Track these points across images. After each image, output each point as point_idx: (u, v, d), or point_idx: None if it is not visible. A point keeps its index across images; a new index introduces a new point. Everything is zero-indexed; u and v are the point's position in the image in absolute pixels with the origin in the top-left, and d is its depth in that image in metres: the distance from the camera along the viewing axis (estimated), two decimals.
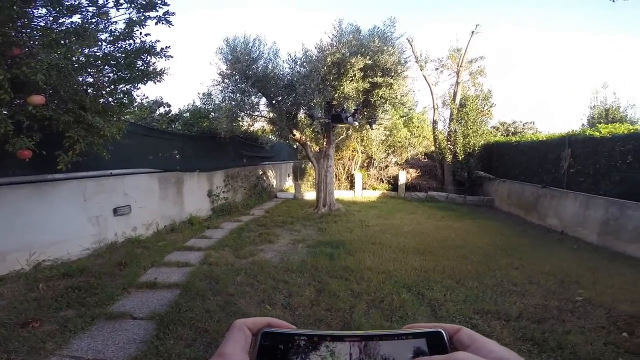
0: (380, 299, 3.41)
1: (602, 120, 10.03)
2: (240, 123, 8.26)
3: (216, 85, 7.66)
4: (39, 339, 2.62)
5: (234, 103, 7.34)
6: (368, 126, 7.79)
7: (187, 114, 10.18)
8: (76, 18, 3.12)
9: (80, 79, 3.62)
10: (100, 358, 2.50)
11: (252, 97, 7.69)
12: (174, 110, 10.26)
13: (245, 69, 6.92)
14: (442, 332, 0.33)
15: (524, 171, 8.89)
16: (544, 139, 8.38)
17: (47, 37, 2.82)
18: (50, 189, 4.57)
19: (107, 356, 2.52)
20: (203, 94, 10.37)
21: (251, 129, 9.75)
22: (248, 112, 7.83)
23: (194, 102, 10.74)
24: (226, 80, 7.45)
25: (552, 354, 2.53)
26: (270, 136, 11.92)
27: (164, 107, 9.29)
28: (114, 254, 4.91)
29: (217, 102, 8.11)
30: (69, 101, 3.35)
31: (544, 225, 7.59)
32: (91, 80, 3.65)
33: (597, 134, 6.26)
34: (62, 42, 2.95)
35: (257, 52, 7.20)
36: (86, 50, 3.28)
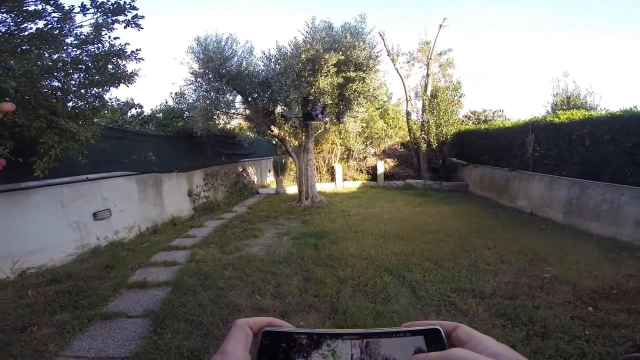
0: (364, 282, 3.62)
1: (564, 107, 10.63)
2: (217, 121, 8.22)
3: (189, 84, 7.57)
4: (40, 342, 2.67)
5: (208, 102, 7.28)
6: (345, 119, 7.96)
7: (160, 115, 9.99)
8: (41, 24, 3.06)
9: (46, 83, 3.54)
10: (103, 356, 2.57)
11: (227, 95, 7.66)
12: (147, 111, 10.06)
13: (218, 67, 6.88)
14: (440, 329, 0.33)
15: (494, 156, 9.38)
16: (510, 125, 8.88)
17: (10, 44, 2.75)
18: (26, 197, 4.48)
19: (109, 354, 2.59)
20: (176, 93, 10.17)
21: (228, 126, 9.71)
22: (224, 110, 7.80)
23: (166, 102, 10.54)
24: (199, 79, 7.38)
25: (524, 328, 2.72)
26: (247, 133, 11.89)
27: (136, 109, 9.09)
28: (99, 257, 4.88)
29: (190, 101, 8.02)
30: (39, 107, 3.28)
31: (514, 207, 8.07)
32: (58, 84, 3.58)
33: (557, 119, 6.73)
34: (27, 47, 2.89)
35: (230, 51, 7.17)
36: (55, 56, 3.22)
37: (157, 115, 9.90)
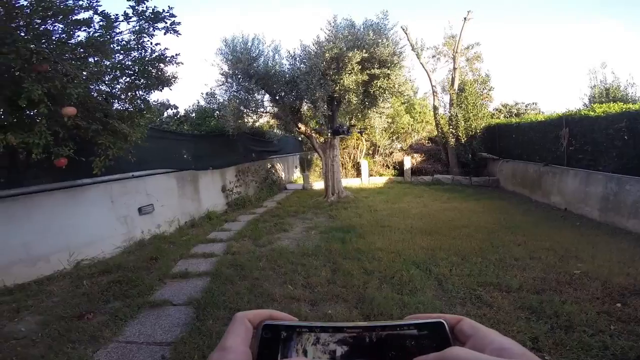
0: (391, 275, 3.77)
1: (603, 99, 10.04)
2: (246, 120, 8.58)
3: (220, 85, 7.95)
4: (96, 329, 2.92)
5: (238, 101, 7.62)
6: (371, 115, 8.06)
7: (193, 114, 10.55)
8: (82, 34, 3.40)
9: (96, 87, 3.93)
10: (152, 341, 2.80)
11: (256, 95, 7.97)
12: (181, 111, 10.66)
13: (247, 68, 7.19)
14: (444, 322, 0.33)
15: (526, 151, 9.09)
16: (543, 119, 8.56)
17: (62, 51, 3.09)
18: (80, 193, 4.95)
19: (156, 339, 2.84)
20: (206, 94, 10.70)
21: (257, 124, 10.08)
22: (253, 108, 8.12)
23: (198, 103, 11.11)
24: (229, 80, 7.74)
25: (548, 321, 2.77)
26: (275, 130, 12.24)
27: (172, 109, 9.64)
28: (144, 250, 5.30)
29: (221, 100, 8.42)
30: (94, 110, 3.68)
31: (548, 203, 7.82)
32: (107, 89, 3.97)
33: (592, 113, 6.45)
34: (83, 53, 3.23)
35: (257, 51, 7.46)
36: (107, 62, 3.59)
37: (191, 115, 10.47)
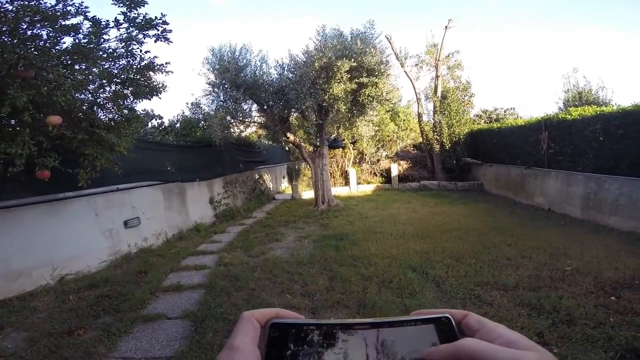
0: (389, 279, 3.77)
1: (576, 103, 10.59)
2: (233, 130, 8.51)
3: (207, 95, 7.88)
4: (89, 345, 2.79)
5: (225, 111, 7.56)
6: (358, 123, 8.16)
7: (178, 125, 10.36)
8: (69, 40, 3.31)
9: (81, 96, 3.79)
10: (150, 357, 2.70)
11: (244, 104, 7.94)
12: (165, 122, 10.44)
13: (234, 77, 7.17)
14: (450, 317, 0.33)
15: (508, 154, 9.40)
16: (523, 123, 8.91)
17: (47, 56, 2.98)
18: (63, 207, 4.77)
19: (155, 354, 2.72)
20: (192, 103, 10.54)
21: (244, 134, 10.00)
22: (240, 118, 8.08)
23: (183, 113, 10.92)
24: (216, 90, 7.69)
25: (549, 316, 2.84)
26: (263, 141, 12.17)
27: (156, 119, 9.43)
28: (131, 263, 5.12)
29: (207, 110, 8.32)
30: (80, 120, 3.56)
31: (532, 204, 8.08)
32: (91, 98, 3.85)
33: (569, 116, 6.78)
34: (64, 61, 3.12)
35: (245, 60, 7.47)
36: (94, 69, 3.48)
37: (176, 125, 10.28)
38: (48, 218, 4.53)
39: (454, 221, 6.56)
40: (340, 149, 12.46)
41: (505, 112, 15.44)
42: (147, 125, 9.51)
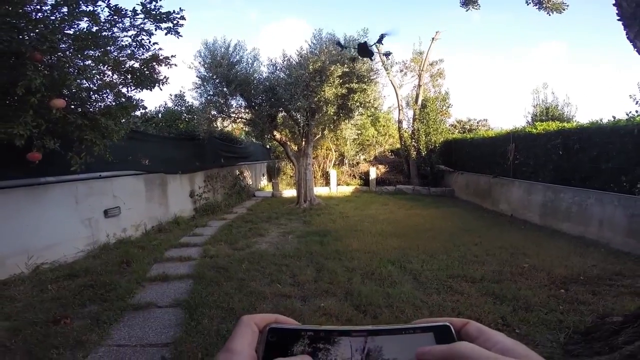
0: (371, 271, 4.08)
1: (543, 118, 11.40)
2: (217, 124, 8.55)
3: (196, 88, 7.88)
4: (79, 333, 2.76)
5: (213, 105, 7.61)
6: (342, 126, 8.48)
7: (159, 116, 10.21)
8: (83, 25, 3.32)
9: (81, 83, 3.79)
10: (146, 343, 2.71)
11: (232, 100, 8.02)
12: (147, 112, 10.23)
13: (227, 72, 7.25)
14: (450, 325, 0.33)
15: (478, 164, 10.09)
16: (493, 135, 9.63)
17: (63, 41, 2.97)
18: (43, 192, 4.62)
19: (150, 341, 2.74)
20: (175, 95, 10.48)
21: (227, 129, 10.02)
22: (228, 114, 8.14)
23: (165, 104, 10.79)
24: (206, 83, 7.71)
25: (510, 303, 3.24)
26: (243, 136, 12.21)
27: (141, 109, 9.25)
28: (110, 254, 5.04)
29: (193, 103, 8.33)
30: (82, 105, 3.57)
31: (497, 210, 8.74)
32: (91, 84, 3.84)
33: (534, 130, 7.47)
34: (79, 46, 3.14)
35: (237, 57, 7.56)
36: (97, 54, 3.49)
37: (157, 116, 10.12)
38: (26, 203, 4.36)
39: (428, 222, 7.02)
40: (321, 149, 12.75)
41: (478, 123, 16.41)
42: (134, 113, 9.29)
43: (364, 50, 2.80)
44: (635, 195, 5.10)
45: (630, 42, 1.76)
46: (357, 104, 7.33)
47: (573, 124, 6.95)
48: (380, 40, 2.78)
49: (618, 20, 1.74)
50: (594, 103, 27.07)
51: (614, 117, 6.04)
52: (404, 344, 0.32)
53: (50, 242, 4.60)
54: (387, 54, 8.16)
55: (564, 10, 5.22)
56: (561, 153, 6.66)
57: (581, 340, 2.36)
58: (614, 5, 1.79)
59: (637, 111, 7.50)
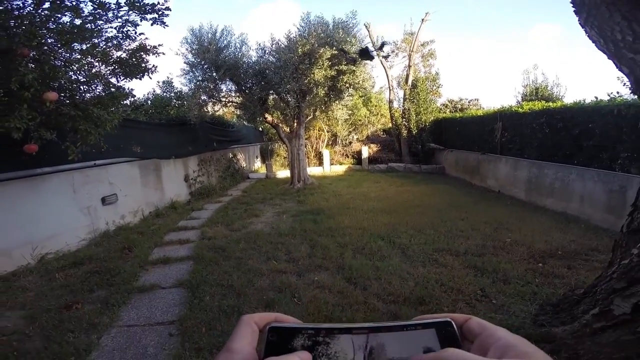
0: (362, 247, 4.34)
1: (532, 98, 11.52)
2: (208, 109, 8.56)
3: (185, 74, 7.84)
4: (92, 317, 2.91)
5: (203, 91, 7.60)
6: (333, 107, 8.55)
7: (149, 102, 10.13)
8: (66, 19, 3.34)
9: (71, 75, 3.84)
10: (153, 322, 2.89)
11: (222, 85, 8.00)
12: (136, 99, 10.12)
13: (215, 58, 7.21)
14: (452, 321, 0.33)
15: (467, 142, 10.31)
16: (482, 114, 9.79)
17: (50, 35, 3.00)
18: (41, 183, 4.68)
19: (157, 320, 2.92)
20: (163, 82, 10.36)
21: (219, 113, 10.02)
22: (218, 98, 8.14)
23: (154, 91, 10.67)
24: (194, 69, 7.66)
25: (490, 276, 3.49)
26: (238, 120, 12.19)
27: (130, 97, 9.18)
28: (112, 241, 5.17)
29: (183, 89, 8.29)
30: (72, 96, 3.63)
31: (484, 186, 9.04)
32: (80, 76, 3.88)
33: (521, 109, 7.64)
34: (64, 39, 3.17)
35: (225, 42, 7.49)
36: (83, 47, 3.52)
37: (147, 103, 10.04)
38: (26, 195, 4.42)
39: (417, 199, 7.29)
40: (314, 129, 12.83)
41: (469, 102, 16.45)
42: (124, 102, 9.22)
43: (366, 54, 2.95)
44: (614, 171, 5.33)
45: (582, 27, 1.89)
46: (347, 85, 7.39)
47: (558, 104, 7.11)
48: (381, 47, 2.92)
49: (571, 6, 1.86)
50: (587, 84, 27.24)
51: (596, 98, 6.20)
52: (406, 340, 0.32)
53: (52, 232, 4.70)
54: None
55: None
56: (546, 131, 6.87)
57: (551, 311, 2.53)
58: None
59: (618, 92, 7.68)
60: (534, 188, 7.18)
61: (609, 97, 6.06)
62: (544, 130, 6.94)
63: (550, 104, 7.28)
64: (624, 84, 7.91)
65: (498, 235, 4.84)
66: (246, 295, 3.25)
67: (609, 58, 1.93)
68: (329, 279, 3.47)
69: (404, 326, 0.33)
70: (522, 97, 12.84)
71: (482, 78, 36.09)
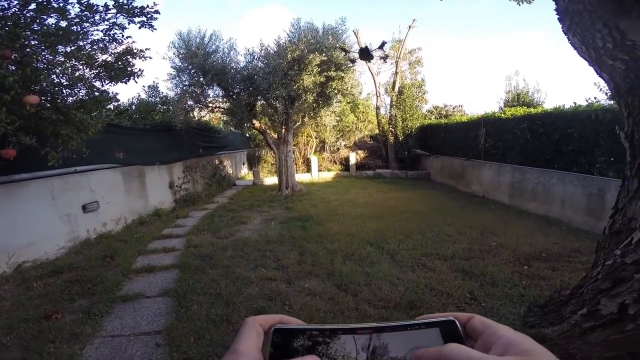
0: (351, 253, 4.33)
1: (514, 103, 11.89)
2: (194, 114, 8.46)
3: (171, 79, 7.73)
4: (73, 327, 2.81)
5: (190, 96, 7.51)
6: (322, 113, 8.59)
7: (133, 107, 9.93)
8: (51, 20, 3.25)
9: (52, 79, 3.72)
10: (139, 332, 2.80)
11: (209, 90, 7.93)
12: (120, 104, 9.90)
13: (203, 62, 7.15)
14: (455, 320, 0.33)
15: (452, 148, 10.51)
16: (466, 120, 10.03)
17: (34, 37, 2.90)
18: (18, 189, 4.53)
19: (143, 330, 2.83)
20: (149, 86, 10.18)
21: (205, 119, 9.90)
22: (205, 103, 8.06)
23: (139, 96, 10.47)
24: (181, 74, 7.57)
25: (478, 279, 3.53)
26: (222, 126, 12.08)
27: (114, 101, 8.97)
28: (93, 249, 5.02)
29: (169, 94, 8.17)
30: (54, 100, 3.51)
31: (469, 191, 9.20)
32: (63, 80, 3.76)
33: (503, 115, 7.87)
34: (48, 42, 3.07)
35: (214, 46, 7.45)
36: (67, 49, 3.42)
37: (131, 108, 9.83)
38: (2, 201, 4.26)
39: (404, 205, 7.35)
40: (302, 135, 12.85)
41: (454, 108, 16.85)
42: (108, 106, 8.98)
43: (366, 53, 3.00)
44: (593, 175, 5.52)
45: (565, 34, 1.97)
46: (336, 91, 7.45)
47: (538, 110, 7.35)
48: (381, 47, 2.98)
49: (555, 13, 1.94)
50: (568, 90, 28.41)
51: (574, 103, 6.44)
52: (410, 340, 0.32)
53: (30, 240, 4.54)
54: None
55: (532, 1, 5.49)
56: (528, 136, 7.08)
57: (539, 312, 2.57)
58: (553, 0, 1.99)
59: (595, 97, 8.03)
60: (517, 192, 7.36)
61: (587, 103, 6.31)
62: (525, 136, 7.15)
63: (532, 109, 7.52)
64: (601, 89, 8.28)
65: (484, 239, 4.92)
66: (235, 303, 3.18)
67: (590, 65, 2.01)
68: (320, 285, 3.44)
69: (408, 325, 0.33)
70: (504, 103, 13.20)
71: (467, 84, 37.02)
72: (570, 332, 1.67)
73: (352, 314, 2.89)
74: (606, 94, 8.60)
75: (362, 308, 2.97)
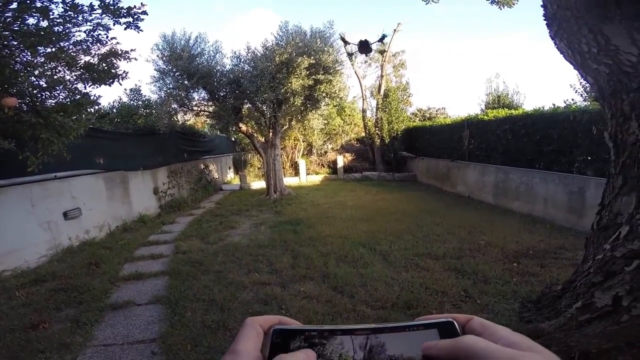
0: (344, 255, 4.33)
1: (495, 105, 12.27)
2: (179, 118, 8.31)
3: (155, 82, 7.56)
4: (62, 336, 2.73)
5: (174, 99, 7.38)
6: (309, 116, 8.60)
7: (114, 111, 9.66)
8: (32, 20, 3.12)
9: (34, 80, 3.57)
10: (133, 341, 2.72)
11: (195, 93, 7.81)
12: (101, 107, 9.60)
13: (188, 65, 7.03)
14: (454, 321, 0.34)
15: (437, 149, 10.73)
16: (450, 122, 10.25)
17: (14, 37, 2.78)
18: None
19: (137, 338, 2.76)
20: (131, 90, 9.94)
21: (189, 123, 9.74)
22: (190, 107, 7.93)
23: (120, 99, 10.21)
24: (165, 77, 7.43)
25: (470, 277, 3.59)
26: (207, 129, 11.89)
27: (94, 105, 8.69)
28: (76, 257, 4.87)
29: (152, 97, 8.00)
30: (34, 102, 3.37)
31: (455, 192, 9.39)
32: (42, 81, 3.62)
33: (486, 117, 8.09)
34: (29, 42, 2.95)
35: (199, 49, 7.34)
36: (47, 50, 3.30)
37: (112, 111, 9.56)
38: None
39: (393, 206, 7.43)
40: (289, 139, 12.82)
41: (437, 111, 17.17)
42: (90, 109, 8.69)
43: (365, 47, 3.01)
44: (572, 173, 5.75)
45: (552, 39, 2.06)
46: (324, 94, 7.48)
47: (519, 111, 7.60)
48: (381, 40, 3.01)
49: (543, 19, 2.02)
50: (545, 92, 29.62)
51: (553, 105, 6.70)
52: (408, 340, 0.33)
53: (8, 249, 4.39)
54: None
55: (513, 4, 5.69)
56: (510, 137, 7.30)
57: (533, 307, 2.64)
58: (541, 6, 2.08)
59: (572, 99, 8.39)
60: (501, 192, 7.56)
61: (565, 104, 6.57)
62: (507, 137, 7.37)
63: (513, 111, 7.77)
64: (576, 91, 8.65)
65: (472, 238, 5.03)
66: (230, 309, 3.12)
67: (575, 68, 2.10)
68: (315, 288, 3.42)
69: (407, 327, 0.34)
70: (485, 105, 13.59)
71: (449, 87, 37.90)
72: (567, 325, 1.72)
73: (350, 316, 2.88)
74: (581, 95, 8.99)
75: (359, 309, 2.97)
